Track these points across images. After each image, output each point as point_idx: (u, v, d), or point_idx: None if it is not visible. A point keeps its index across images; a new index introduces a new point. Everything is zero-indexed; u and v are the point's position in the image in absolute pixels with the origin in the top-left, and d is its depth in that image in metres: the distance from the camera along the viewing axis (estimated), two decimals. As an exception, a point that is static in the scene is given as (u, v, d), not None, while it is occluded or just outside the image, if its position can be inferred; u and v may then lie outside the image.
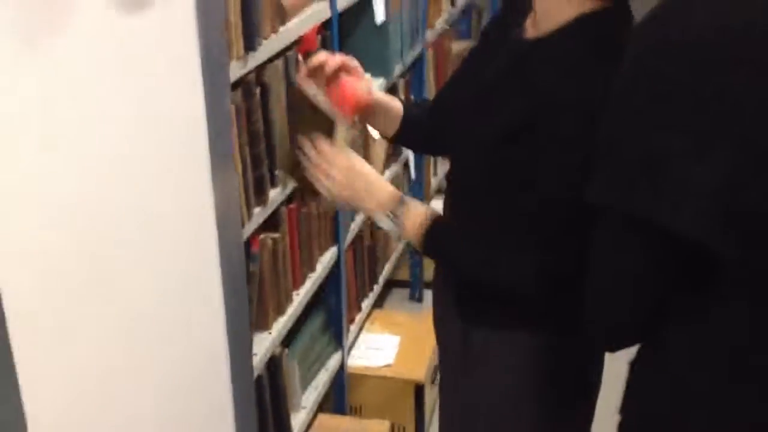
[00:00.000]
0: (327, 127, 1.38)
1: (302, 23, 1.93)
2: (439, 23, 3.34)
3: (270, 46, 1.76)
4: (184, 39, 1.04)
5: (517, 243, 1.29)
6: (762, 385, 0.96)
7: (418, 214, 1.37)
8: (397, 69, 2.72)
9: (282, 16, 1.82)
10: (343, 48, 2.45)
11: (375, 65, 2.57)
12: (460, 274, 1.44)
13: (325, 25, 2.09)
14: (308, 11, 1.99)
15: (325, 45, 2.09)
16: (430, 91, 3.24)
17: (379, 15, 2.46)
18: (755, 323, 0.94)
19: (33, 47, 0.78)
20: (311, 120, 1.38)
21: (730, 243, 0.89)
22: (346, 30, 2.47)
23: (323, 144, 1.38)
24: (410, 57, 2.90)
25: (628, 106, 0.91)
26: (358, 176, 1.39)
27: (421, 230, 1.36)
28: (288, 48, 1.89)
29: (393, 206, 1.38)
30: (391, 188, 1.41)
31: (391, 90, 2.73)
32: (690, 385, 0.99)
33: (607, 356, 1.41)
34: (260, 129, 1.78)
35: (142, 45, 0.95)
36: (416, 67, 3.03)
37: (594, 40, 1.23)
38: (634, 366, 1.09)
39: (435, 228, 1.37)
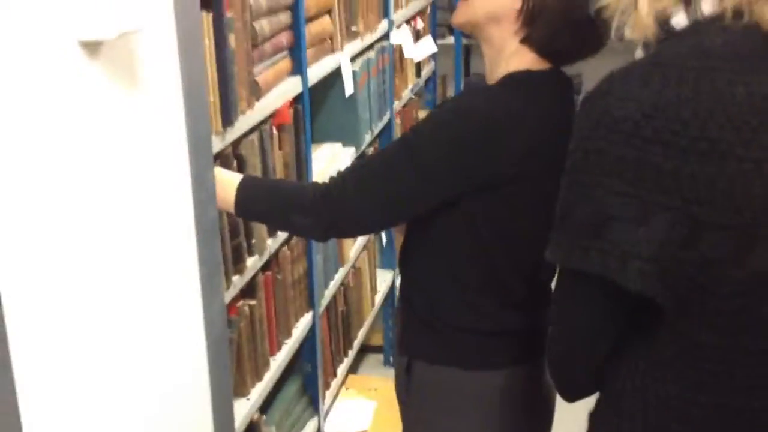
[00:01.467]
0: None
1: (276, 98, 2.01)
2: (406, 93, 3.45)
3: (246, 121, 1.83)
4: (172, 117, 1.10)
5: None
6: (708, 427, 1.03)
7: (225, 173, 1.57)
8: (367, 138, 2.81)
9: (257, 92, 1.90)
10: (314, 120, 2.54)
11: (345, 135, 2.66)
12: (264, 215, 1.62)
13: (297, 99, 2.18)
14: (281, 86, 2.07)
15: (297, 118, 2.18)
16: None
17: (348, 88, 2.55)
18: (693, 367, 1.01)
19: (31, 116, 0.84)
20: None
21: (669, 296, 0.98)
22: (317, 103, 2.56)
23: None
24: (379, 126, 2.99)
25: (579, 175, 0.99)
26: None
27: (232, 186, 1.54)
28: (263, 122, 1.97)
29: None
30: None
31: (361, 158, 2.82)
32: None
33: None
34: (237, 200, 1.84)
35: (133, 122, 1.01)
36: (384, 135, 3.13)
37: (516, 86, 1.48)
38: (592, 416, 1.16)
39: (246, 181, 1.56)
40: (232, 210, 1.57)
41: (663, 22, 0.99)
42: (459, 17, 1.59)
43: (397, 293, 3.39)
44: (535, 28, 1.49)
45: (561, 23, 1.47)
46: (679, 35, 0.99)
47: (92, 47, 0.92)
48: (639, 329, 1.05)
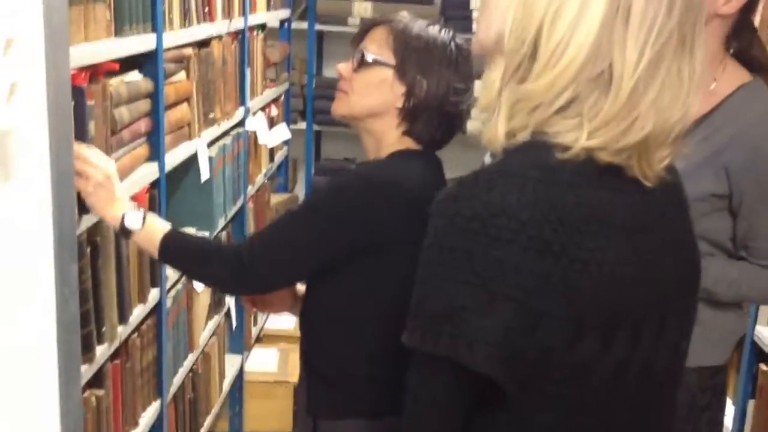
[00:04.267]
0: None
1: (133, 184, 2.00)
2: (259, 178, 3.50)
3: (102, 207, 1.81)
4: (39, 208, 1.10)
5: None
6: None
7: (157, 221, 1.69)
8: (221, 222, 2.82)
9: (114, 178, 1.89)
10: (169, 205, 2.53)
11: (200, 220, 2.66)
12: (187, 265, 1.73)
13: (154, 184, 2.18)
14: (138, 172, 2.07)
15: (153, 203, 2.17)
16: (251, 243, 3.35)
17: (204, 173, 2.57)
18: None
19: None
20: None
21: (512, 379, 1.06)
22: (172, 187, 2.55)
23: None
24: (233, 210, 3.01)
25: (433, 267, 1.07)
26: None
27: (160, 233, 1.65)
28: (118, 208, 1.95)
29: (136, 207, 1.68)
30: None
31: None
32: None
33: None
34: (89, 287, 1.81)
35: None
36: (238, 219, 3.15)
37: (400, 160, 1.60)
38: None
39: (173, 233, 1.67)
40: (155, 254, 1.66)
41: (511, 137, 1.09)
42: (340, 109, 1.66)
43: (246, 377, 3.38)
44: (415, 123, 1.61)
45: (438, 118, 1.60)
46: (522, 148, 1.09)
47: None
48: (483, 409, 1.13)
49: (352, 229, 1.53)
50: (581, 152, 1.03)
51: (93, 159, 1.63)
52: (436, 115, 1.60)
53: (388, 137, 1.62)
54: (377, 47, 1.62)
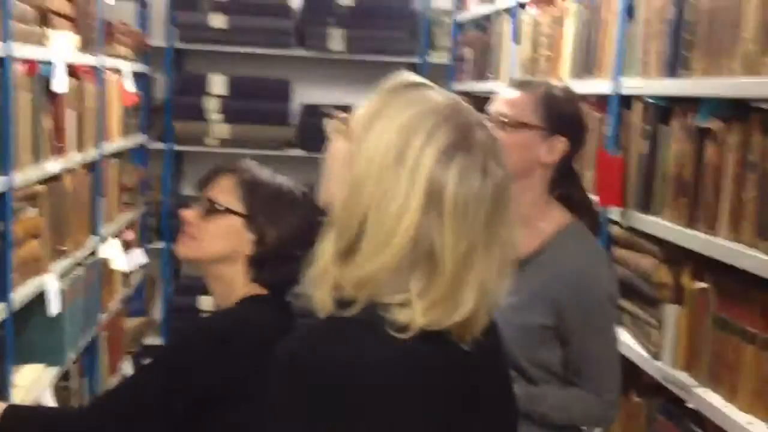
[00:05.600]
0: None
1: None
2: (113, 304, 3.44)
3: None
4: None
5: None
6: None
7: None
8: (71, 356, 2.75)
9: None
10: (17, 341, 2.46)
11: (49, 355, 2.59)
12: None
13: (1, 325, 2.12)
14: (-17, 314, 2.02)
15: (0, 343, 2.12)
16: (104, 374, 3.27)
17: (54, 308, 2.52)
18: None
19: None
20: None
21: None
22: (20, 324, 2.48)
23: None
24: (84, 341, 2.94)
25: (273, 408, 1.09)
26: None
27: None
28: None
29: None
30: None
31: (65, 377, 2.74)
32: None
33: None
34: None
35: None
36: (89, 350, 3.07)
37: (249, 306, 1.63)
38: None
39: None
40: None
41: (340, 305, 1.13)
42: (186, 252, 1.68)
43: None
44: (263, 270, 1.65)
45: (288, 263, 1.62)
46: (358, 321, 1.10)
47: None
48: None
49: (198, 381, 1.55)
50: (417, 330, 1.07)
51: None
52: (284, 261, 1.64)
53: (236, 283, 1.65)
54: (225, 195, 1.66)
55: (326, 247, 1.12)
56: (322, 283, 1.12)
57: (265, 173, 1.70)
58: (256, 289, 1.67)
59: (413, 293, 1.08)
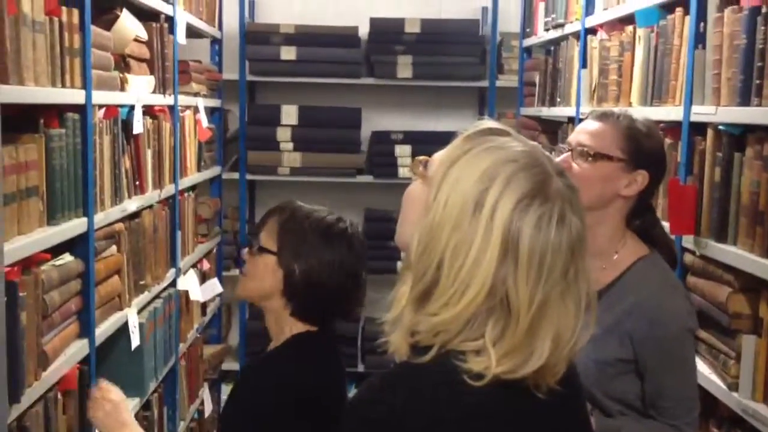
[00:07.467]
0: None
1: (62, 364, 2.02)
2: (191, 334, 3.51)
3: (32, 393, 1.84)
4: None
5: None
6: None
7: None
8: (152, 386, 2.83)
9: (44, 362, 1.92)
10: (98, 374, 2.53)
11: (130, 387, 2.65)
12: None
13: (84, 360, 2.20)
14: (68, 350, 2.09)
15: (83, 378, 2.19)
16: (184, 402, 3.34)
17: (135, 341, 2.59)
18: None
19: None
20: None
21: None
22: (102, 357, 2.57)
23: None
24: (164, 372, 3.02)
25: None
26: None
27: None
28: (49, 389, 1.97)
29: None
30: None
31: (146, 406, 2.82)
32: None
33: None
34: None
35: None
36: (169, 379, 3.15)
37: (296, 346, 1.73)
38: None
39: None
40: None
41: (416, 351, 1.16)
42: (239, 291, 1.83)
43: None
44: (297, 304, 1.73)
45: (322, 298, 1.72)
46: (432, 367, 1.11)
47: None
48: None
49: None
50: (492, 378, 1.08)
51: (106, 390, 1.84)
52: (315, 293, 1.72)
53: (282, 318, 1.75)
54: (266, 235, 1.77)
55: (403, 291, 1.14)
56: (398, 327, 1.14)
57: (304, 210, 1.77)
58: (303, 326, 1.74)
59: (488, 341, 1.08)
